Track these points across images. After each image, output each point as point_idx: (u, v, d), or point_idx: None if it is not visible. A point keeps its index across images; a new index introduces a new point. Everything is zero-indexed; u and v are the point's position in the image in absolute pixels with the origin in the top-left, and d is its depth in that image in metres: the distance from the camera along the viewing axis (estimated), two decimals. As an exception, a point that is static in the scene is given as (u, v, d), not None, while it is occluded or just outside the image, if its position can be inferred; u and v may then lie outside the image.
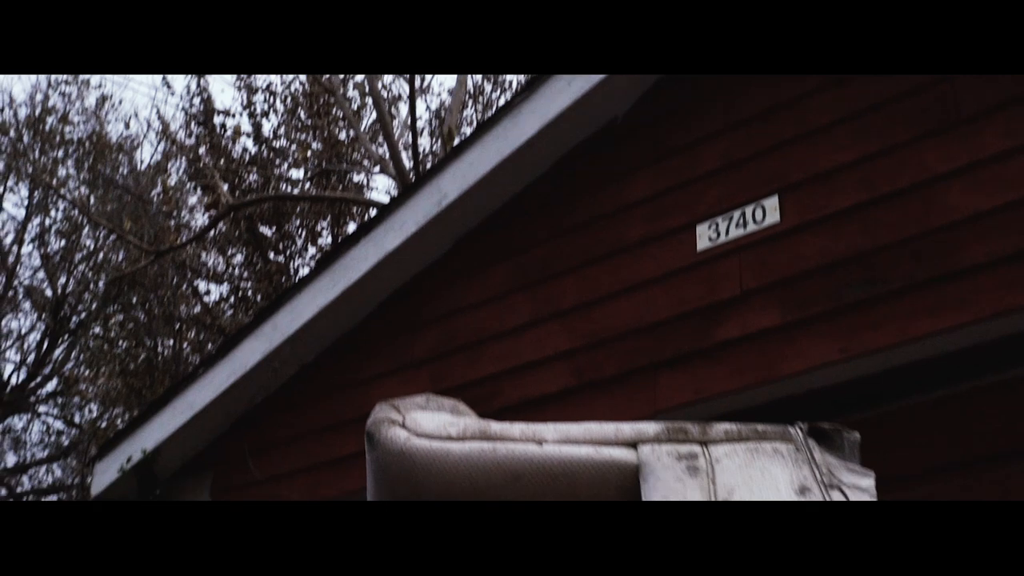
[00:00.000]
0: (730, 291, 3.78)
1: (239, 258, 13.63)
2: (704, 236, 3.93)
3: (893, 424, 3.52)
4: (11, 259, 16.03)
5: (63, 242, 15.12)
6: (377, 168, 13.81)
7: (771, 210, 3.81)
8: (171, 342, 12.46)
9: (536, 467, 1.75)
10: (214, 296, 13.81)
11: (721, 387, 3.68)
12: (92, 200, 14.22)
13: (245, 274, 13.53)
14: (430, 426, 1.92)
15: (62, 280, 15.16)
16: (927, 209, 3.47)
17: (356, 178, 14.23)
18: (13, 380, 16.26)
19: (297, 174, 13.95)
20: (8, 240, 16.12)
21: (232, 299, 13.47)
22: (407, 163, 12.80)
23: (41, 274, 15.73)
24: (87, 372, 14.67)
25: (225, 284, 13.73)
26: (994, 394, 3.38)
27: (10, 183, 15.77)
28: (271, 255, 13.22)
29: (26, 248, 16.21)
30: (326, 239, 13.43)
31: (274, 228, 13.30)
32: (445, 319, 4.70)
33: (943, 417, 3.45)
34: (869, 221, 3.57)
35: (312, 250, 13.48)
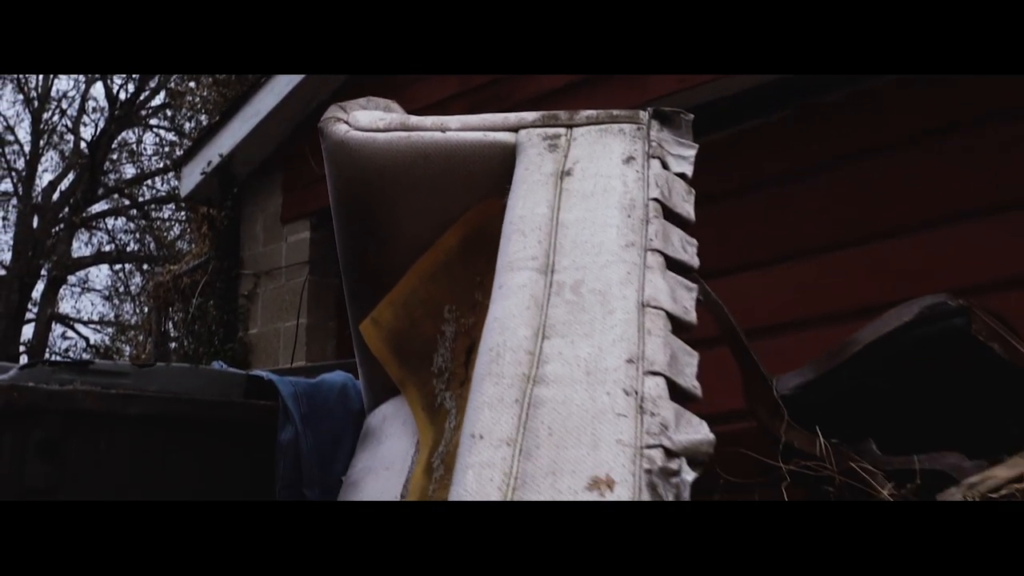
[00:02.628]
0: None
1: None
2: (690, -65, 4.20)
3: (864, 101, 3.91)
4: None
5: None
6: None
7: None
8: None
9: (439, 148, 2.27)
10: (299, 4, 14.15)
11: (701, 78, 4.06)
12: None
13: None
14: (365, 121, 2.45)
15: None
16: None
17: None
18: (122, 96, 17.14)
19: None
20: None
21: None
22: None
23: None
24: (189, 84, 15.33)
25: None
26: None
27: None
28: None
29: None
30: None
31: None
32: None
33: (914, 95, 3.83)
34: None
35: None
